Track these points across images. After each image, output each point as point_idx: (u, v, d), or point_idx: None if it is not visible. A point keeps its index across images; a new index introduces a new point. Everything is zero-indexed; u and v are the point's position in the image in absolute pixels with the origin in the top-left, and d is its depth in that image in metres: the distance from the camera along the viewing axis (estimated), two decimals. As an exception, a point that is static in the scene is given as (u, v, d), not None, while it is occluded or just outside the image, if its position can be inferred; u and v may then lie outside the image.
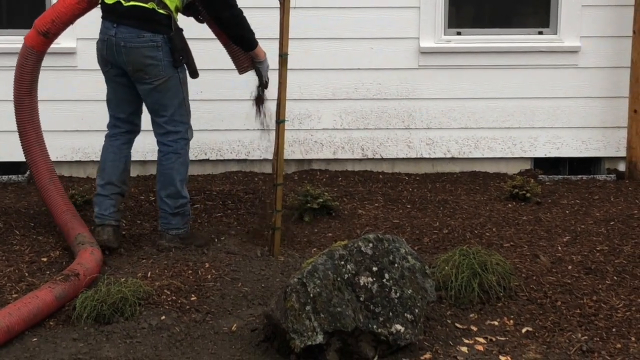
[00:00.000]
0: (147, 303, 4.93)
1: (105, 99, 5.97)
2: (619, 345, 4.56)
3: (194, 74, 5.76)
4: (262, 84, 5.98)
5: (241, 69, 5.97)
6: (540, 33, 7.57)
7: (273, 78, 5.85)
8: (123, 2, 5.46)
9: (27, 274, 5.44)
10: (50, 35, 5.89)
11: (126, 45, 5.51)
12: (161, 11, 5.46)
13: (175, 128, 5.74)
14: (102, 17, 5.64)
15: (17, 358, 4.40)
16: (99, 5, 5.69)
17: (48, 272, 5.47)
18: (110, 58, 5.64)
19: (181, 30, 5.66)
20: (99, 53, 5.71)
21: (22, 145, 6.17)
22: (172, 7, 5.51)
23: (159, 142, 5.80)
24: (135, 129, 5.97)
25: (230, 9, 5.62)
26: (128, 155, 5.96)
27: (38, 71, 6.05)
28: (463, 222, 6.37)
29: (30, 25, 6.85)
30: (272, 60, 5.92)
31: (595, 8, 7.47)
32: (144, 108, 5.89)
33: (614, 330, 4.73)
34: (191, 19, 5.86)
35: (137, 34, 5.49)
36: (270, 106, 6.03)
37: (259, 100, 6.08)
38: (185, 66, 5.70)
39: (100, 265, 5.39)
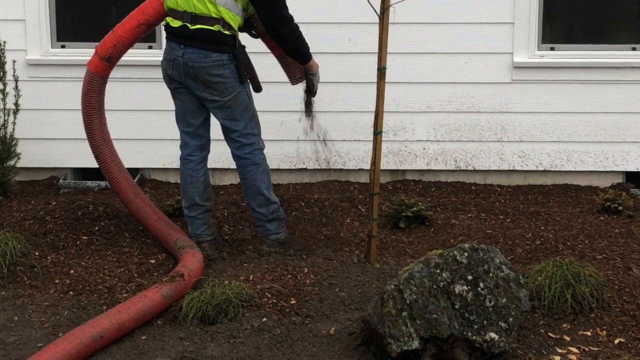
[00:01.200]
0: (250, 305, 4.98)
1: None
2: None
3: (258, 88, 5.84)
4: (312, 93, 6.00)
5: (294, 80, 6.00)
6: (634, 49, 7.47)
7: (372, 91, 5.87)
8: (189, 25, 5.55)
9: (136, 275, 5.57)
10: (113, 59, 6.01)
11: (194, 66, 5.59)
12: (226, 32, 5.55)
13: (249, 140, 5.80)
14: (167, 39, 5.76)
15: (127, 354, 4.51)
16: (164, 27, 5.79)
17: (155, 274, 5.59)
18: (177, 77, 5.72)
19: (244, 47, 5.71)
20: (165, 72, 5.81)
21: (100, 165, 6.29)
22: (235, 26, 5.58)
23: (236, 157, 5.87)
24: (204, 145, 6.01)
25: (288, 25, 5.65)
26: (205, 174, 6.03)
27: (104, 93, 6.16)
28: (555, 234, 6.29)
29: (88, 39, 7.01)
30: (366, 75, 5.95)
31: None
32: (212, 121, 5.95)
33: None
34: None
35: (205, 54, 5.57)
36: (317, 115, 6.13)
37: (308, 105, 6.13)
38: (249, 81, 5.74)
39: (203, 267, 5.51)
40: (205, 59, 5.57)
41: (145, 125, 7.34)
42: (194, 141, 5.93)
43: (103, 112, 6.19)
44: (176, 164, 7.27)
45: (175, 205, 6.58)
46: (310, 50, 5.93)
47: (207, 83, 5.64)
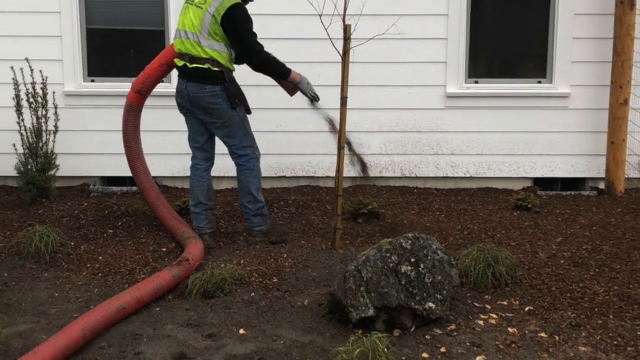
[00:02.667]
0: (241, 283, 5.05)
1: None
2: (599, 322, 4.58)
3: (248, 111, 5.83)
4: (310, 98, 5.94)
5: (290, 93, 5.99)
6: (539, 82, 7.51)
7: (336, 115, 5.87)
8: (188, 64, 5.60)
9: (151, 260, 5.60)
10: (143, 92, 6.10)
11: (194, 96, 5.64)
12: (215, 69, 5.57)
13: (244, 152, 5.83)
14: (178, 75, 5.77)
15: (145, 322, 4.54)
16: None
17: (166, 259, 5.61)
18: (184, 105, 5.77)
19: (234, 80, 5.69)
20: (177, 101, 5.85)
21: (132, 174, 6.31)
22: (223, 62, 5.59)
23: (235, 164, 5.90)
24: (209, 157, 6.02)
25: (259, 55, 5.69)
26: (209, 180, 6.02)
27: (139, 119, 6.21)
28: (479, 226, 6.38)
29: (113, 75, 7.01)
30: (331, 103, 5.97)
31: (582, 63, 7.41)
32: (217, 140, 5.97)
33: (596, 310, 4.73)
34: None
35: (201, 87, 5.60)
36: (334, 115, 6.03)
37: (313, 103, 6.04)
38: (242, 104, 5.75)
39: (203, 253, 5.51)
40: (202, 91, 5.60)
41: (160, 143, 7.32)
42: (201, 154, 5.96)
43: (138, 133, 6.24)
44: (182, 173, 7.32)
45: (181, 206, 6.55)
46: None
47: (205, 109, 5.67)
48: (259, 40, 5.71)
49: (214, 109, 5.65)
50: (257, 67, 5.78)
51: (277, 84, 6.04)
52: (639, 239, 6.07)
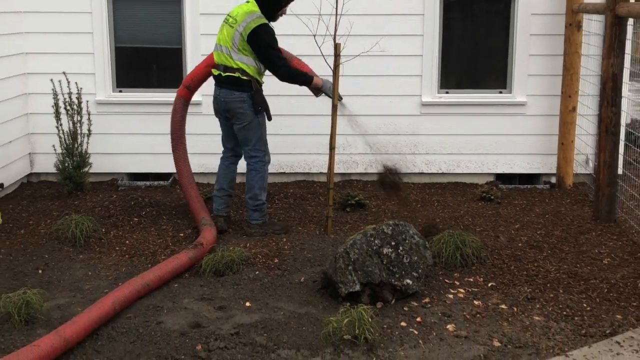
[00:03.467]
0: (247, 263, 5.09)
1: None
2: (551, 295, 4.64)
3: (269, 118, 5.80)
4: (334, 98, 5.89)
5: (315, 94, 5.97)
6: (501, 92, 7.50)
7: (328, 120, 5.89)
8: (222, 73, 5.64)
9: (170, 244, 5.63)
10: (192, 88, 6.18)
11: (225, 101, 5.66)
12: (244, 78, 5.58)
13: (255, 154, 5.82)
14: (214, 84, 5.79)
15: (165, 296, 4.59)
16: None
17: (184, 243, 5.63)
18: (218, 108, 5.79)
19: (260, 90, 5.70)
20: (214, 107, 5.87)
21: (174, 159, 6.32)
22: (251, 73, 5.60)
23: (247, 163, 5.90)
24: (238, 154, 6.05)
25: (281, 68, 5.67)
26: (234, 171, 6.07)
27: (186, 112, 6.27)
28: (449, 214, 6.40)
29: (169, 85, 7.01)
30: (324, 110, 5.96)
31: (536, 76, 7.42)
32: None
33: (548, 285, 4.80)
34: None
35: (231, 93, 5.62)
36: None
37: (341, 109, 6.05)
38: (264, 113, 5.74)
39: (215, 238, 5.51)
40: (231, 96, 5.64)
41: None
42: (230, 150, 6.03)
43: (184, 123, 6.31)
44: (201, 169, 7.29)
45: (204, 196, 6.56)
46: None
47: (232, 113, 5.69)
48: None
49: (239, 113, 5.67)
50: (281, 79, 5.78)
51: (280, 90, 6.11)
52: (585, 225, 6.12)
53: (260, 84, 5.75)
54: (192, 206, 6.05)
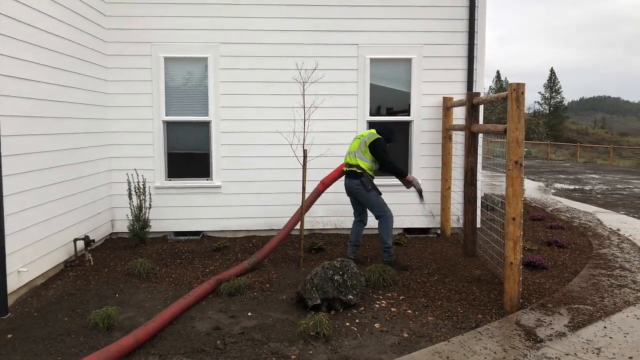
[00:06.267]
0: (249, 288, 5.03)
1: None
2: (439, 303, 4.68)
3: (379, 192, 5.64)
4: (418, 191, 5.80)
5: (406, 186, 5.78)
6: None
7: (299, 197, 5.89)
8: (347, 168, 5.65)
9: (201, 276, 5.52)
10: (326, 184, 6.02)
11: (349, 185, 5.61)
12: (359, 171, 5.56)
13: (378, 213, 5.62)
14: (345, 176, 5.73)
15: (196, 309, 4.48)
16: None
17: (210, 275, 5.51)
18: (347, 191, 5.71)
19: (370, 178, 5.60)
20: (346, 190, 5.73)
21: (292, 219, 6.01)
22: (365, 168, 5.58)
23: (376, 220, 5.69)
24: (362, 218, 5.86)
25: (389, 164, 5.59)
26: (360, 230, 5.87)
27: (316, 199, 6.07)
28: (377, 253, 6.31)
29: (199, 176, 6.94)
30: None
31: (426, 168, 7.41)
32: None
33: (437, 297, 4.83)
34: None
35: (352, 181, 5.60)
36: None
37: (421, 197, 5.95)
38: (375, 190, 5.61)
39: (240, 271, 5.36)
40: (354, 181, 5.58)
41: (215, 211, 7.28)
42: (358, 215, 5.84)
43: (310, 205, 6.03)
44: (219, 229, 7.21)
45: (219, 246, 6.49)
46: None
47: (353, 192, 5.63)
48: (386, 157, 5.60)
49: (358, 192, 5.60)
50: (386, 171, 5.63)
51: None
52: (458, 259, 6.15)
53: (370, 175, 5.61)
54: (266, 245, 5.88)
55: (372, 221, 7.32)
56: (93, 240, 6.23)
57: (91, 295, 4.91)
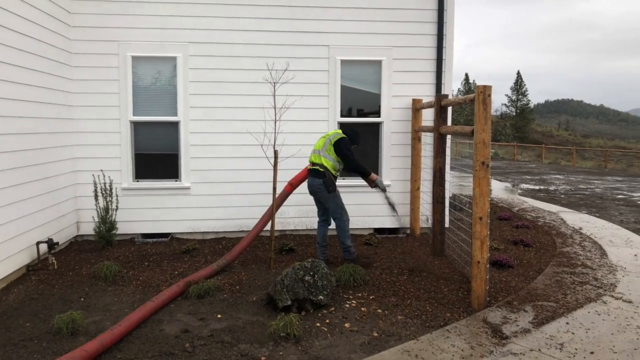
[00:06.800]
0: (219, 290, 4.97)
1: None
2: (408, 302, 4.71)
3: (337, 194, 5.66)
4: (381, 189, 5.77)
5: (370, 185, 5.79)
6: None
7: (270, 199, 5.88)
8: (310, 166, 5.59)
9: (169, 279, 5.43)
10: (294, 185, 5.99)
11: (312, 184, 5.59)
12: (322, 170, 5.54)
13: (336, 216, 5.67)
14: (308, 174, 5.72)
15: (164, 312, 4.43)
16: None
17: (179, 277, 5.43)
18: (310, 190, 5.67)
19: (332, 178, 5.59)
20: (309, 189, 5.71)
21: (261, 219, 5.96)
22: (328, 167, 5.56)
23: (333, 222, 5.75)
24: (326, 219, 5.83)
25: (353, 163, 5.59)
26: (326, 231, 5.87)
27: (284, 200, 6.01)
28: None
29: (168, 177, 6.83)
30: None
31: (397, 169, 7.49)
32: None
33: (406, 296, 4.86)
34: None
35: (316, 180, 5.56)
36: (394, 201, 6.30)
37: (388, 200, 5.95)
38: (335, 192, 5.62)
39: (208, 273, 5.30)
40: (316, 181, 5.56)
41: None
42: (322, 215, 5.81)
43: (280, 205, 6.02)
44: (188, 231, 7.13)
45: (189, 248, 6.43)
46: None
47: (315, 192, 5.62)
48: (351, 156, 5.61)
49: (318, 192, 5.60)
50: (351, 170, 5.64)
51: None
52: (427, 258, 6.15)
53: (333, 174, 5.60)
54: (235, 247, 5.84)
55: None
56: (57, 243, 6.07)
57: (55, 300, 4.78)
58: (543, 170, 23.78)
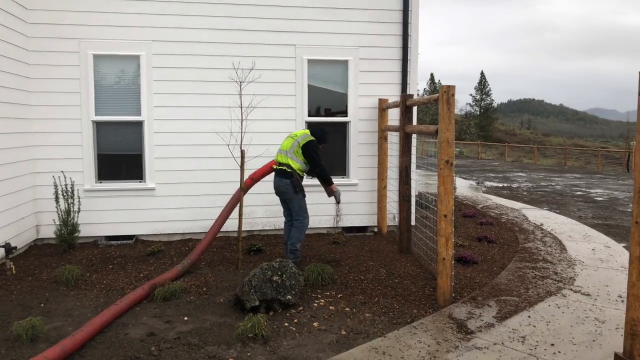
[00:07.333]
0: (185, 292, 4.93)
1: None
2: (376, 300, 4.75)
3: (304, 196, 5.64)
4: (337, 200, 5.82)
5: (328, 194, 5.80)
6: (342, 177, 7.59)
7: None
8: (276, 167, 5.55)
9: (134, 282, 5.34)
10: (255, 180, 5.96)
11: (278, 185, 5.54)
12: (289, 170, 5.50)
13: (297, 217, 5.64)
14: (274, 174, 5.67)
15: (129, 316, 4.36)
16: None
17: (144, 280, 5.35)
18: (276, 190, 5.62)
19: (299, 179, 5.57)
20: (274, 190, 5.67)
21: (218, 217, 5.93)
22: (295, 168, 5.54)
23: (293, 222, 5.69)
24: (291, 219, 5.77)
25: (319, 167, 5.59)
26: (290, 230, 5.80)
27: (242, 196, 5.83)
28: (315, 253, 6.37)
29: (132, 178, 6.72)
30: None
31: (364, 168, 7.56)
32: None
33: (374, 294, 4.91)
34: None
35: (283, 180, 5.51)
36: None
37: (337, 202, 5.90)
38: (302, 193, 5.60)
39: (174, 276, 5.23)
40: (283, 181, 5.52)
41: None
42: (287, 215, 5.78)
43: (235, 203, 5.91)
44: (153, 233, 7.02)
45: (154, 250, 6.31)
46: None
47: (281, 192, 5.58)
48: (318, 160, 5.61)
49: (285, 192, 5.55)
50: (315, 174, 5.64)
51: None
52: (394, 256, 6.29)
53: (299, 175, 5.58)
54: (197, 246, 5.79)
55: (312, 220, 7.36)
56: (15, 248, 5.87)
57: (13, 306, 4.62)
58: (506, 168, 24.40)
